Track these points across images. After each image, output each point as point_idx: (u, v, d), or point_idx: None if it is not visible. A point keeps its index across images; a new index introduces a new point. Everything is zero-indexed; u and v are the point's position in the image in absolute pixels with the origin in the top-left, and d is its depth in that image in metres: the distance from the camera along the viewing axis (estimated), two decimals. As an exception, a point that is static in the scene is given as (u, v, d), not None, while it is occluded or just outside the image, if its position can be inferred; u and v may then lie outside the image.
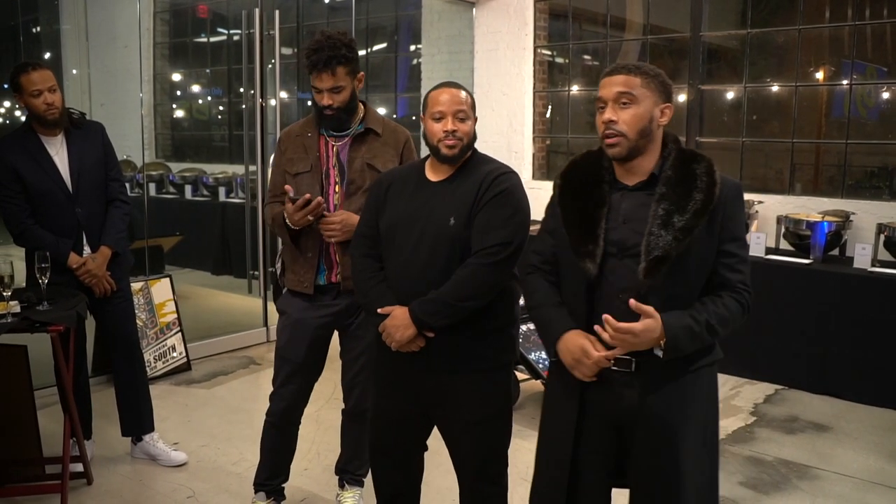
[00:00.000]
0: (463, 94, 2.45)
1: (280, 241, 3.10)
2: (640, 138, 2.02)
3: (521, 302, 2.42)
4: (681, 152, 2.07)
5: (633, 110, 2.01)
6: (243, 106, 7.39)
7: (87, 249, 3.51)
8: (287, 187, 2.82)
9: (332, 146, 2.93)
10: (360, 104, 2.97)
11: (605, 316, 1.97)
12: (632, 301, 1.93)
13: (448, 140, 2.39)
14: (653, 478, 2.07)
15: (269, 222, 3.02)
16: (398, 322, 2.37)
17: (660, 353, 1.98)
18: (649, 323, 1.93)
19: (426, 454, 2.72)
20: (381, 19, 8.47)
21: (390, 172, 2.65)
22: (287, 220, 2.84)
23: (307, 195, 2.75)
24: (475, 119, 2.48)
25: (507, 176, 2.44)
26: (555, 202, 2.19)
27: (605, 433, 2.12)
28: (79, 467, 3.43)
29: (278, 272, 3.11)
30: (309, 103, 8.99)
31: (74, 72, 7.38)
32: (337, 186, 2.92)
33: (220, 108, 9.44)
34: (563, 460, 2.12)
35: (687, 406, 2.06)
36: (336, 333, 3.09)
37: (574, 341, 2.06)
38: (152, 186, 8.21)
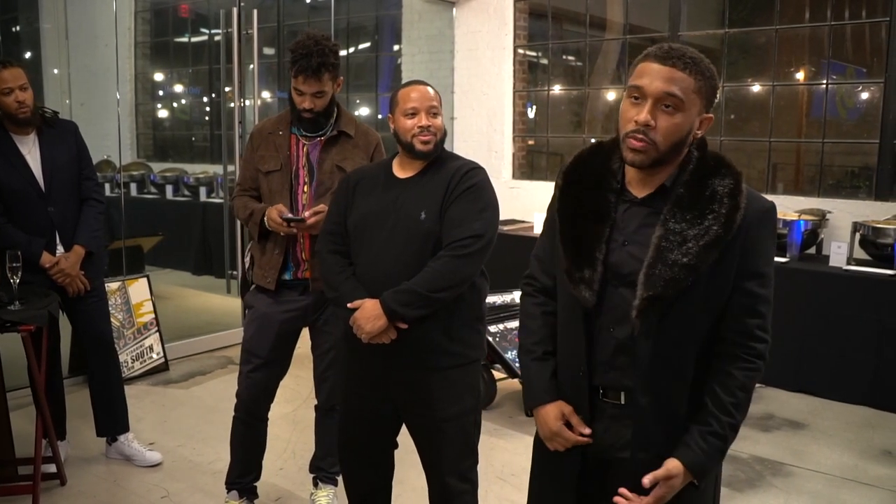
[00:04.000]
0: (431, 90, 2.48)
1: (249, 236, 3.11)
2: (671, 152, 1.65)
3: (491, 299, 2.43)
4: (702, 162, 1.69)
5: (676, 119, 1.61)
6: (223, 105, 7.37)
7: (59, 248, 3.49)
8: (281, 207, 2.84)
9: (303, 146, 2.94)
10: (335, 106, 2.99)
11: (622, 490, 1.69)
12: (644, 480, 1.65)
13: (423, 136, 2.41)
14: None
15: (239, 215, 3.03)
16: (368, 313, 2.37)
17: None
18: (671, 484, 1.66)
19: (401, 453, 2.72)
20: (362, 19, 8.47)
21: (358, 170, 2.66)
22: (265, 221, 2.86)
23: (304, 216, 2.80)
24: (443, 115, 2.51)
25: (476, 171, 2.47)
26: (554, 206, 1.85)
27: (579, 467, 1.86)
28: (52, 468, 3.42)
29: (246, 266, 3.12)
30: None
31: (55, 71, 7.34)
32: (306, 187, 2.93)
33: (202, 108, 9.40)
34: None
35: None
36: (306, 330, 3.10)
37: (551, 417, 1.81)
38: (134, 186, 8.18)
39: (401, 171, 2.51)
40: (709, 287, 1.64)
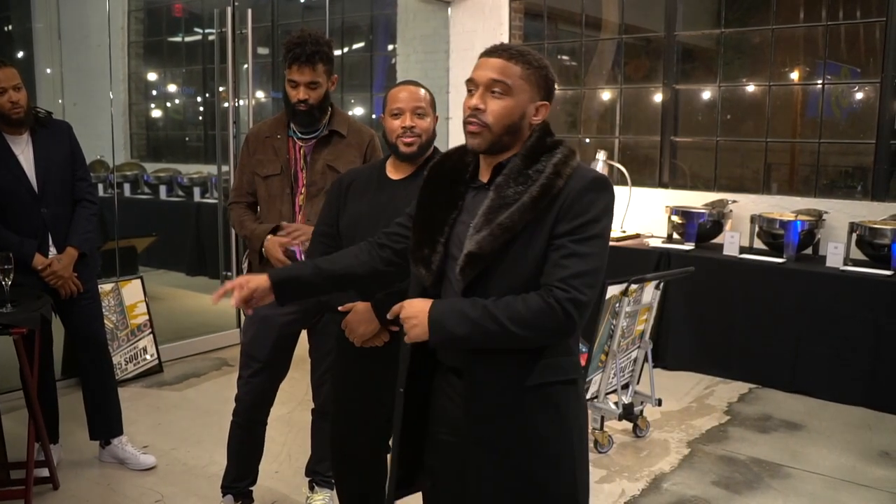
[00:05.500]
0: (422, 91, 2.46)
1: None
2: (506, 134, 1.78)
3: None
4: (538, 142, 1.81)
5: (504, 102, 1.76)
6: (217, 105, 7.32)
7: (52, 250, 3.45)
8: (283, 241, 2.83)
9: (300, 148, 2.91)
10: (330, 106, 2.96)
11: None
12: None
13: (406, 137, 2.39)
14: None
15: (235, 228, 3.01)
16: (360, 316, 2.37)
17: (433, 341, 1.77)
18: (413, 301, 1.79)
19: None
20: (356, 18, 8.44)
21: (350, 171, 2.64)
22: (262, 250, 2.87)
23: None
24: (435, 117, 2.49)
25: None
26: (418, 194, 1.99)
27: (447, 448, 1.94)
28: (45, 472, 3.38)
29: (245, 271, 3.08)
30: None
31: (48, 71, 7.30)
32: (304, 189, 2.90)
33: (196, 108, 9.36)
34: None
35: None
36: (305, 332, 3.08)
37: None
38: (127, 187, 8.13)
39: (394, 172, 2.50)
40: (525, 248, 1.73)
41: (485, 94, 1.77)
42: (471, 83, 1.81)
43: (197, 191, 7.89)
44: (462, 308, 1.71)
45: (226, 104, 5.67)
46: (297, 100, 2.80)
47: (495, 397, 1.78)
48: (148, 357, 5.00)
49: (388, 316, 1.84)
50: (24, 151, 3.40)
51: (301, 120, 2.87)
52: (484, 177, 1.87)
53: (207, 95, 8.94)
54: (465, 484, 1.84)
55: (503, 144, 1.80)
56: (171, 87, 9.48)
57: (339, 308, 2.39)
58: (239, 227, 2.98)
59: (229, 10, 5.48)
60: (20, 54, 7.66)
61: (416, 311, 1.75)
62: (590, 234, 1.72)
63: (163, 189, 8.15)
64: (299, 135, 2.91)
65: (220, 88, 6.01)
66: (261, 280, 2.02)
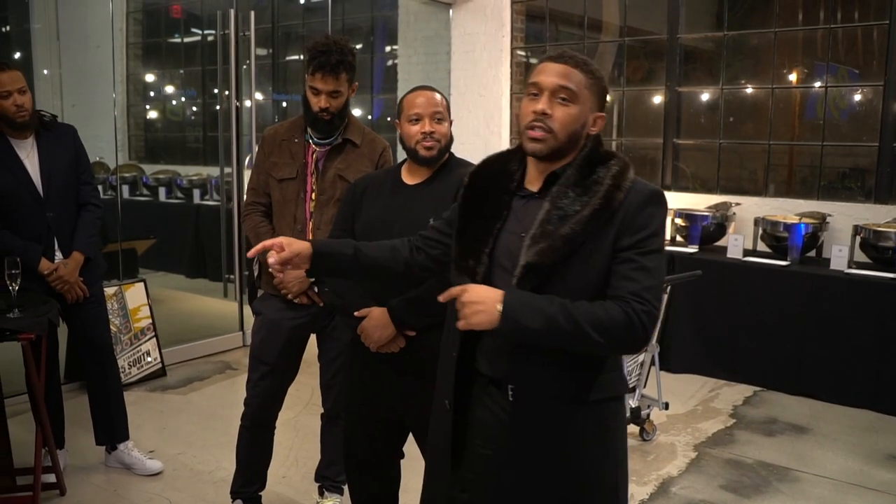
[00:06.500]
0: (438, 96, 2.45)
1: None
2: (568, 142, 1.77)
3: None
4: (592, 152, 1.80)
5: (570, 109, 1.75)
6: (217, 107, 7.31)
7: (58, 255, 3.43)
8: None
9: (313, 153, 2.90)
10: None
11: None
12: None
13: (426, 142, 2.38)
14: None
15: (252, 239, 2.99)
16: (376, 322, 2.36)
17: (498, 331, 1.69)
18: (479, 286, 1.70)
19: (406, 459, 2.69)
20: (357, 20, 8.42)
21: (365, 176, 2.63)
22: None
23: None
24: (451, 121, 2.48)
25: None
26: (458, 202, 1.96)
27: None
28: (51, 478, 3.35)
29: (255, 275, 3.07)
30: (284, 104, 8.95)
31: (45, 72, 7.26)
32: (313, 195, 2.89)
33: (194, 109, 9.33)
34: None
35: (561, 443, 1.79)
36: (313, 336, 3.07)
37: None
38: (125, 188, 8.09)
39: (409, 177, 2.49)
40: (587, 260, 1.71)
41: (551, 100, 1.75)
42: (535, 87, 1.77)
43: (196, 192, 7.86)
44: (538, 302, 1.66)
45: (228, 105, 5.66)
46: (319, 108, 2.78)
47: (543, 411, 1.76)
48: (151, 360, 4.98)
49: (442, 298, 1.75)
50: (29, 155, 3.37)
51: (321, 127, 2.85)
52: (533, 185, 1.84)
53: (206, 97, 8.91)
54: (502, 499, 1.82)
55: (563, 152, 1.78)
56: (170, 89, 9.44)
57: (356, 313, 2.38)
58: (255, 238, 2.95)
59: (232, 12, 5.47)
60: (18, 55, 7.62)
61: (482, 297, 1.67)
62: (652, 248, 1.71)
63: (162, 191, 8.12)
64: (316, 140, 2.89)
65: (225, 92, 6.00)
66: (303, 247, 1.98)
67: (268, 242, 1.94)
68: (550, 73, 1.76)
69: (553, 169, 1.80)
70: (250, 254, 2.01)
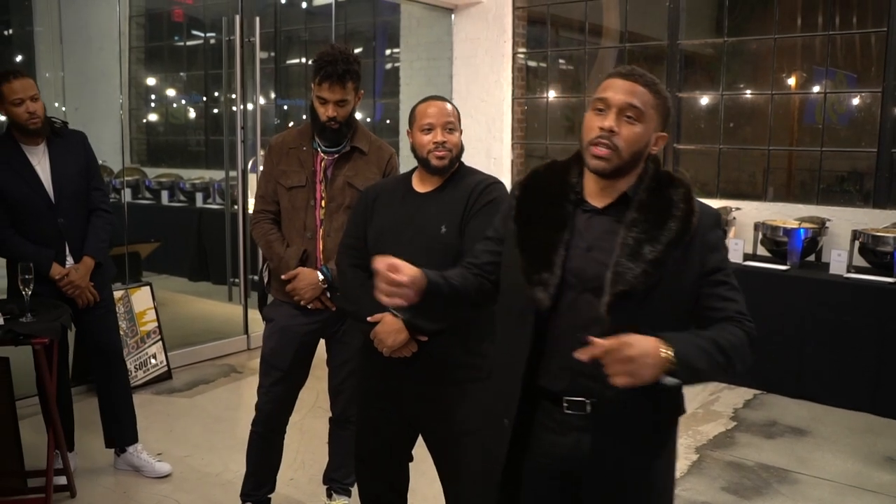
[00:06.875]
0: (449, 106, 2.50)
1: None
2: (632, 161, 1.75)
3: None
4: (658, 174, 1.81)
5: (636, 129, 1.72)
6: (217, 111, 7.34)
7: (69, 260, 3.47)
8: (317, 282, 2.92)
9: (321, 161, 2.94)
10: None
11: (590, 338, 1.59)
12: (592, 338, 1.57)
13: (438, 151, 2.42)
14: None
15: (262, 247, 3.04)
16: (389, 327, 2.39)
17: (669, 381, 1.58)
18: (636, 336, 1.55)
19: (413, 463, 2.72)
20: (360, 25, 8.46)
21: (376, 185, 2.67)
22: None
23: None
24: (461, 131, 2.52)
25: (496, 186, 2.50)
26: (509, 216, 1.90)
27: (550, 483, 1.85)
28: (62, 480, 3.39)
29: (265, 281, 3.10)
30: (285, 108, 8.99)
31: (47, 75, 7.29)
32: (323, 202, 2.93)
33: (197, 112, 9.37)
34: None
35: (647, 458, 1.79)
36: (322, 341, 3.11)
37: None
38: (128, 192, 8.13)
39: (420, 185, 2.53)
40: (674, 284, 1.71)
41: (618, 118, 1.72)
42: (602, 103, 1.75)
43: (199, 196, 7.90)
44: (692, 340, 1.62)
45: (234, 109, 5.71)
46: (326, 118, 2.82)
47: (623, 433, 1.74)
48: (157, 363, 5.02)
49: (585, 357, 1.57)
50: (40, 161, 3.42)
51: (329, 136, 2.89)
52: (594, 199, 1.81)
53: (208, 101, 8.95)
54: None
55: (624, 170, 1.76)
56: (172, 92, 9.48)
57: (368, 318, 2.42)
58: (266, 247, 2.99)
59: (237, 17, 5.51)
60: (20, 58, 7.66)
61: (647, 350, 1.54)
62: (730, 269, 1.78)
63: (164, 194, 8.16)
64: (324, 148, 2.94)
65: (232, 95, 6.04)
66: (420, 281, 1.84)
67: (395, 277, 1.80)
68: (619, 91, 1.74)
69: (616, 186, 1.79)
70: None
